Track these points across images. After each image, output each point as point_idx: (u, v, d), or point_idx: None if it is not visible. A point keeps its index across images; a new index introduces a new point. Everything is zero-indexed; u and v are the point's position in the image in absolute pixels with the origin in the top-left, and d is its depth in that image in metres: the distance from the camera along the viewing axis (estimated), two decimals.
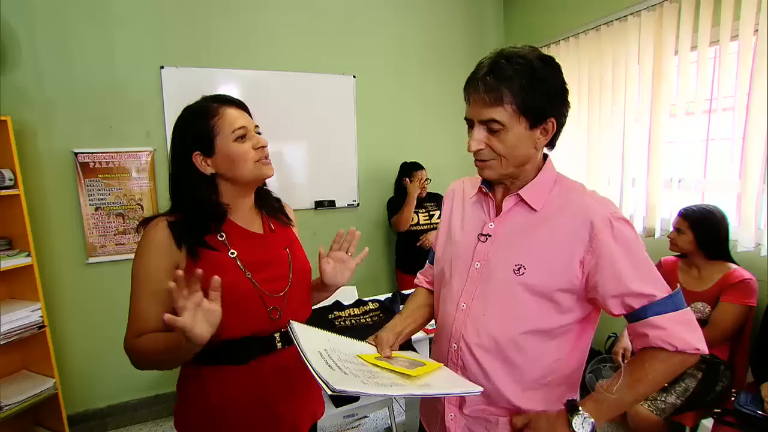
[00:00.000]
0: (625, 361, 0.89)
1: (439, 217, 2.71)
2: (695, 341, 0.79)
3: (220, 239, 0.97)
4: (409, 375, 0.80)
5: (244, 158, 0.96)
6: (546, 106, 0.82)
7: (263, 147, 0.99)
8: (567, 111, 0.87)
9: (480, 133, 0.84)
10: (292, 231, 1.15)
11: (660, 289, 0.81)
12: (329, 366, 0.73)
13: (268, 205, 1.11)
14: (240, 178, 0.98)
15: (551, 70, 0.83)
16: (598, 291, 0.82)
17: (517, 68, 0.80)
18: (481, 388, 0.79)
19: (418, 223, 2.80)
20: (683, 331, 0.79)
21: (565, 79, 0.87)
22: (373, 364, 0.84)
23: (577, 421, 0.78)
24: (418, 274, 1.17)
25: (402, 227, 2.77)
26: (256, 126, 1.02)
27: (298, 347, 0.78)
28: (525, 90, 0.80)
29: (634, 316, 0.82)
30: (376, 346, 0.94)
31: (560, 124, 0.86)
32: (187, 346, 0.79)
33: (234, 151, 0.95)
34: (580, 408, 0.80)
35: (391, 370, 0.82)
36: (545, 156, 0.93)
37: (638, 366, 0.82)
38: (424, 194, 2.81)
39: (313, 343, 0.81)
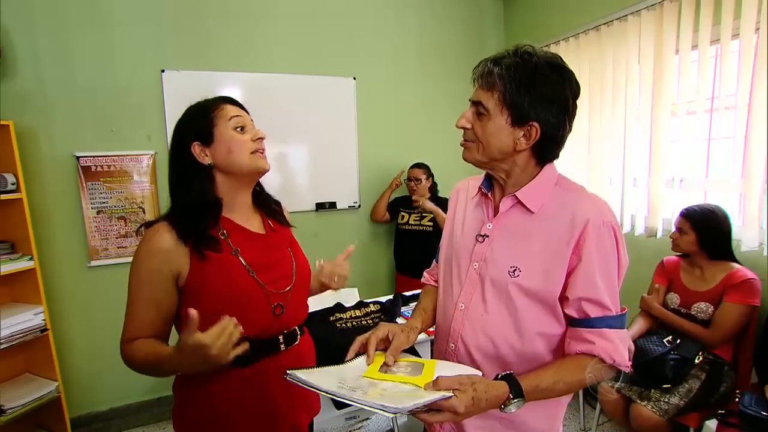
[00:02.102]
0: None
1: (429, 220, 2.73)
2: (627, 359, 0.83)
3: (222, 237, 0.98)
4: (419, 383, 0.77)
5: (241, 146, 0.97)
6: (530, 108, 0.80)
7: (261, 139, 1.01)
8: (560, 125, 0.83)
9: (470, 113, 0.87)
10: (290, 231, 1.16)
11: (616, 306, 0.83)
12: (362, 393, 0.71)
13: (267, 206, 1.12)
14: (236, 168, 0.98)
15: (556, 78, 0.81)
16: (566, 290, 0.83)
17: (518, 62, 0.81)
18: (479, 372, 0.78)
19: (407, 223, 2.81)
20: (623, 349, 0.82)
21: (578, 96, 0.85)
22: (382, 380, 0.81)
23: (513, 405, 0.74)
24: (424, 272, 1.17)
25: (373, 215, 2.93)
26: (252, 121, 1.04)
27: (320, 391, 0.73)
28: (514, 84, 0.80)
29: (587, 322, 0.82)
30: (384, 350, 0.90)
31: (548, 136, 0.83)
32: (203, 367, 0.83)
33: (232, 138, 0.97)
34: (521, 396, 0.75)
35: (403, 382, 0.79)
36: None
37: (578, 369, 0.80)
38: (416, 195, 2.73)
39: (327, 378, 0.77)
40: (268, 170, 1.03)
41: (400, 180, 2.90)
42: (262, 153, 1.01)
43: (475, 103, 0.85)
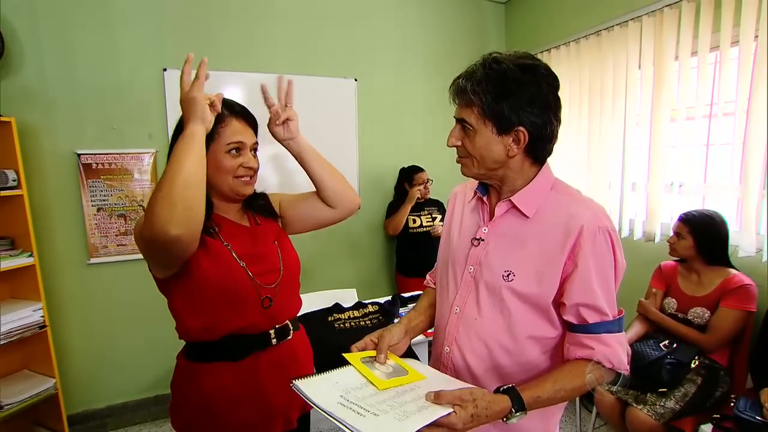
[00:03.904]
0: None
1: (441, 220, 2.72)
2: (626, 362, 0.84)
3: (213, 234, 0.99)
4: (377, 384, 0.79)
5: (228, 171, 0.99)
6: (511, 115, 0.80)
7: (252, 168, 1.01)
8: (546, 123, 0.83)
9: (457, 130, 0.89)
10: (277, 224, 1.17)
11: (613, 310, 0.84)
12: (360, 414, 0.70)
13: (254, 205, 1.14)
14: (217, 187, 1.00)
15: (529, 79, 0.80)
16: (563, 296, 0.83)
17: (488, 73, 0.81)
18: (447, 411, 0.70)
19: (421, 225, 2.80)
20: (622, 352, 0.83)
21: (558, 88, 0.85)
22: (356, 369, 0.83)
23: (515, 418, 0.75)
24: (427, 275, 1.17)
25: (392, 230, 2.77)
26: (256, 143, 1.04)
27: (319, 409, 0.73)
28: (490, 95, 0.80)
29: (585, 328, 0.83)
30: (376, 345, 0.92)
31: (537, 136, 0.83)
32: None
33: (222, 161, 0.98)
34: (522, 410, 0.75)
35: (366, 376, 0.81)
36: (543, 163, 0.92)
37: (578, 376, 0.81)
38: (426, 196, 2.81)
39: (327, 395, 0.76)
40: (249, 195, 1.04)
41: (428, 186, 2.79)
42: (248, 179, 1.02)
43: (460, 120, 0.87)
